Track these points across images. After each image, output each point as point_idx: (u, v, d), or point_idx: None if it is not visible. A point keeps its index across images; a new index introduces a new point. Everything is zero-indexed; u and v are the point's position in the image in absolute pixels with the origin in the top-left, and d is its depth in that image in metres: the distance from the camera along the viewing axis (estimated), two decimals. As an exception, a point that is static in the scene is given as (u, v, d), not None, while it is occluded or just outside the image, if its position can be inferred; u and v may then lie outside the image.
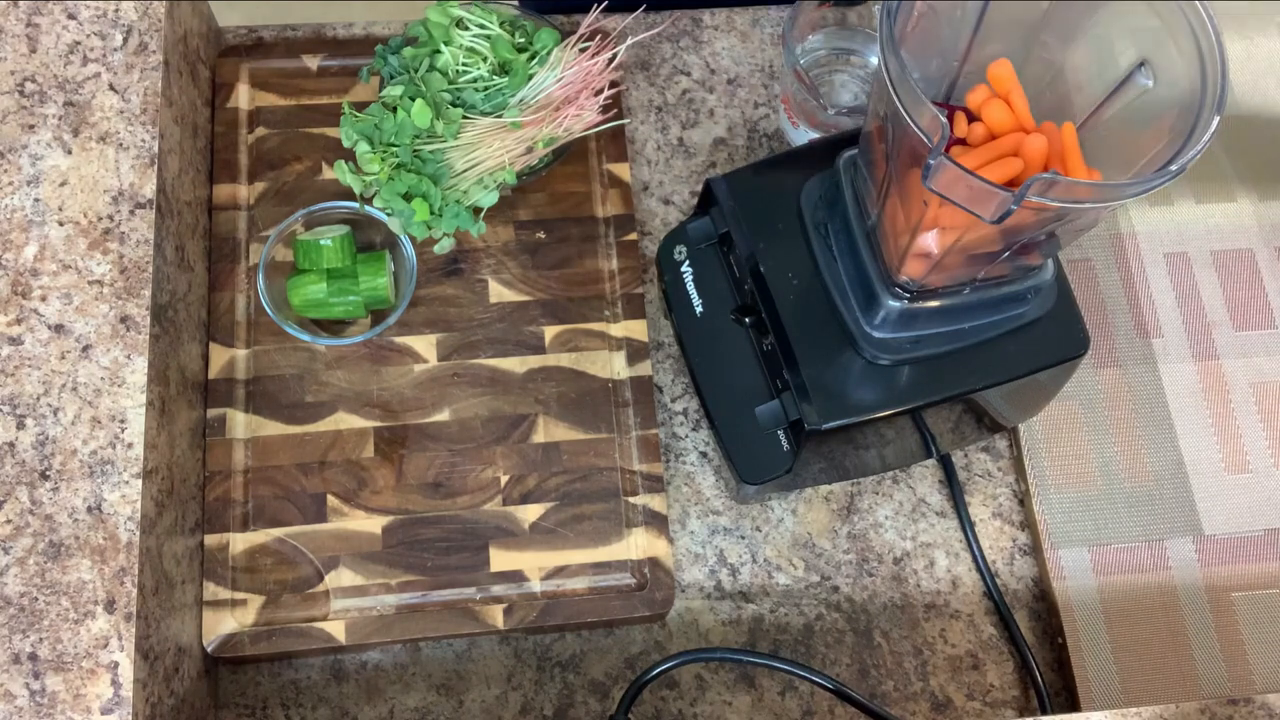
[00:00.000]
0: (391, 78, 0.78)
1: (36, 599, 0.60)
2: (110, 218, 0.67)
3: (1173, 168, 0.53)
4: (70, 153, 0.68)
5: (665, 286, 0.77)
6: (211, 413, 0.75)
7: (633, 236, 0.82)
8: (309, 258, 0.76)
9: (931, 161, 0.53)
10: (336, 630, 0.71)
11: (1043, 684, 0.75)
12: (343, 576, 0.73)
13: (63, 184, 0.67)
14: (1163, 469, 0.80)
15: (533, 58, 0.78)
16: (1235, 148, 0.89)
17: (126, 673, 0.59)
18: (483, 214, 0.77)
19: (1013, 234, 0.58)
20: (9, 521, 0.61)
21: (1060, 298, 0.70)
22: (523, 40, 0.79)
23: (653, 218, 0.86)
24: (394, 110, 0.74)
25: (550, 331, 0.79)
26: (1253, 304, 0.84)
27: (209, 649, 0.70)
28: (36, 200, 0.66)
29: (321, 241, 0.76)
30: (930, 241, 0.61)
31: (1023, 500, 0.81)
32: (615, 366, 0.79)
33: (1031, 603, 0.79)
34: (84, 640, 0.59)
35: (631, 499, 0.76)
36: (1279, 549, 0.79)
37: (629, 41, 0.80)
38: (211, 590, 0.71)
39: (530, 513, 0.75)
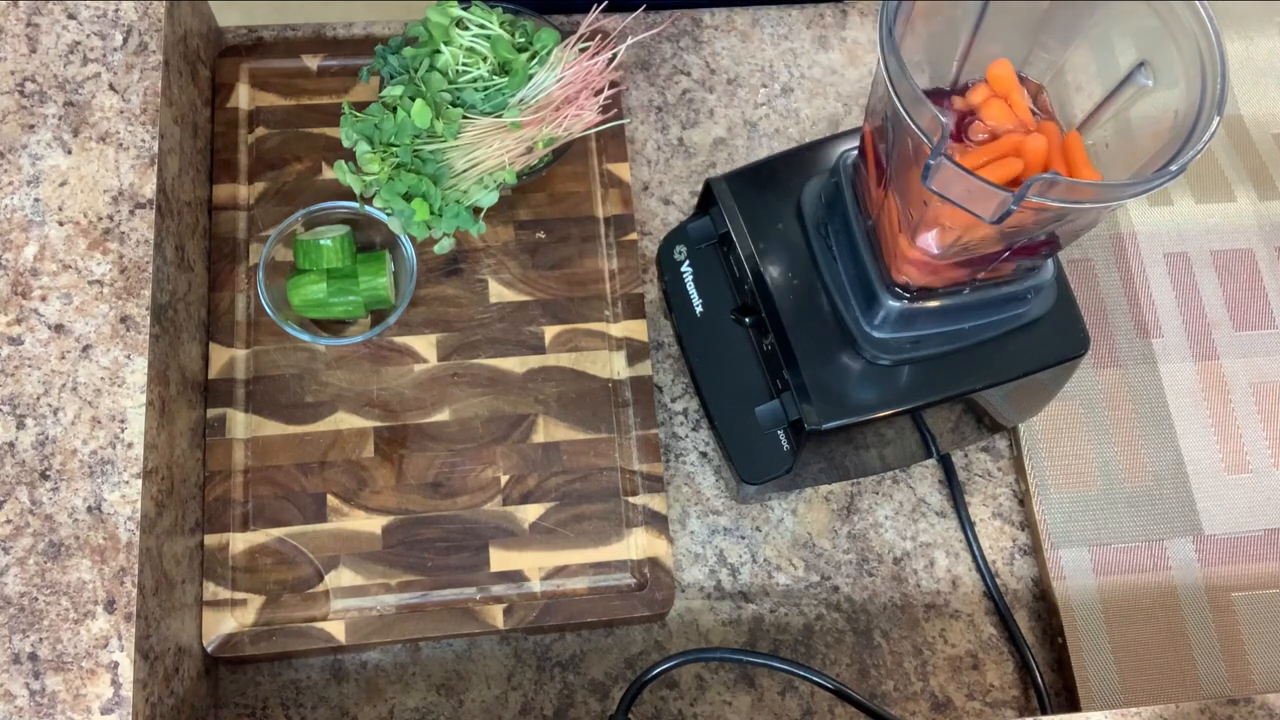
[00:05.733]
0: (391, 78, 0.78)
1: (36, 599, 0.60)
2: (110, 218, 0.66)
3: (1173, 168, 0.53)
4: (70, 153, 0.68)
5: (665, 286, 0.77)
6: (211, 413, 0.75)
7: (633, 236, 0.82)
8: (309, 258, 0.76)
9: (931, 161, 0.53)
10: (336, 630, 0.71)
11: (1043, 684, 0.75)
12: (343, 576, 0.73)
13: (63, 184, 0.67)
14: (1163, 469, 0.80)
15: (533, 58, 0.78)
16: (1235, 148, 0.89)
17: (126, 673, 0.59)
18: (483, 214, 0.77)
19: (1013, 234, 0.58)
20: (9, 521, 0.61)
21: (1060, 298, 0.70)
22: (523, 40, 0.79)
23: (653, 218, 0.86)
24: (394, 110, 0.74)
25: (550, 331, 0.79)
26: (1253, 304, 0.84)
27: (209, 649, 0.70)
28: (36, 200, 0.66)
29: (321, 241, 0.76)
30: (930, 241, 0.61)
31: (1023, 500, 0.81)
32: (615, 366, 0.79)
33: (1031, 603, 0.79)
34: (84, 640, 0.59)
35: (631, 499, 0.75)
36: (1279, 549, 0.79)
37: (629, 41, 0.80)
38: (211, 590, 0.71)
39: (530, 513, 0.75)
